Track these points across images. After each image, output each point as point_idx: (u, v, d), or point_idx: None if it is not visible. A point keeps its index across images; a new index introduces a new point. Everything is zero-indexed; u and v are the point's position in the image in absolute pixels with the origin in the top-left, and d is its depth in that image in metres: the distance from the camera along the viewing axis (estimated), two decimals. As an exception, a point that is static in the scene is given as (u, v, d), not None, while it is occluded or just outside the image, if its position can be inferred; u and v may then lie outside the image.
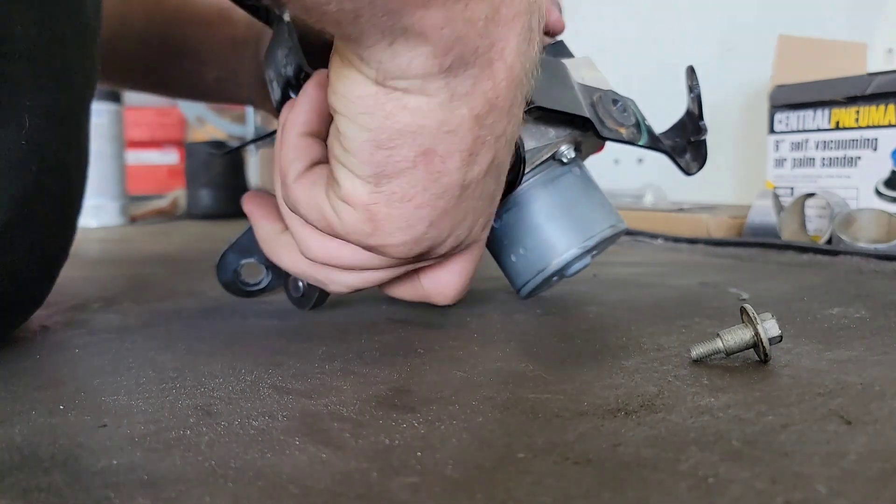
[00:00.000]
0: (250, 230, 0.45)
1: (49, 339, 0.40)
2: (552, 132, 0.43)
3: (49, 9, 0.32)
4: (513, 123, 0.31)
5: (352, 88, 0.28)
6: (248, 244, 0.45)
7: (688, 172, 0.46)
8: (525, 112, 0.33)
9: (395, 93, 0.27)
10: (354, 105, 0.28)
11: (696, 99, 0.46)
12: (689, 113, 0.46)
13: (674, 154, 0.45)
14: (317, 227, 0.33)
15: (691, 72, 0.46)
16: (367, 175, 0.29)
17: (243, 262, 0.46)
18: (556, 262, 0.43)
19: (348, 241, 0.33)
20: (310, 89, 0.35)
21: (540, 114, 0.42)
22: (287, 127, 0.35)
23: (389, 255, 0.32)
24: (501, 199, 0.38)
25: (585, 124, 0.43)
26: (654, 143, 0.45)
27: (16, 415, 0.27)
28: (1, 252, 0.33)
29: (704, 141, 0.46)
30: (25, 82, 0.32)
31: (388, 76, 0.27)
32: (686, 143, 0.46)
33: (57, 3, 0.33)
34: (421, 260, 0.35)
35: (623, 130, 0.44)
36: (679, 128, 0.46)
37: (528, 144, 0.42)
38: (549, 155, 0.43)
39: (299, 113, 0.35)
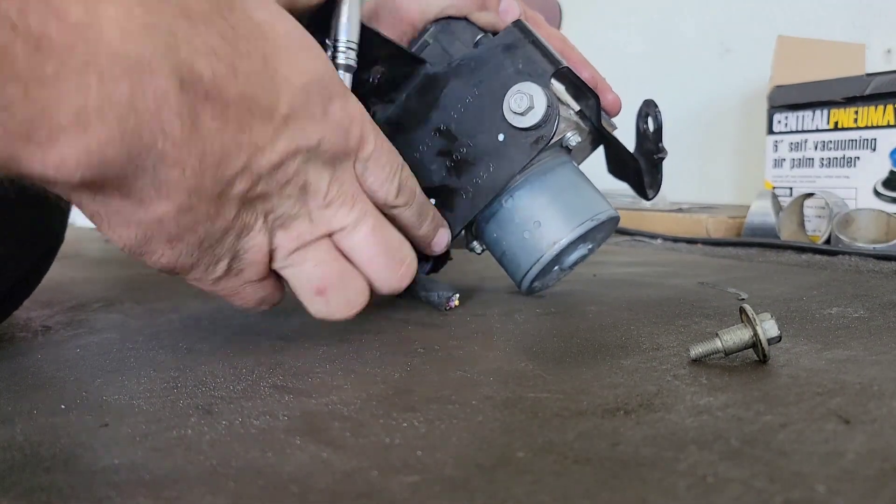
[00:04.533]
0: None
1: (50, 339, 0.40)
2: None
3: None
4: (252, 142, 0.28)
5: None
6: None
7: (647, 197, 0.50)
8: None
9: (98, 222, 0.27)
10: (101, 233, 0.28)
11: (659, 126, 0.49)
12: (650, 138, 0.49)
13: (640, 172, 0.49)
14: None
15: (653, 104, 0.49)
16: (165, 268, 0.31)
17: None
18: (558, 245, 0.44)
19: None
20: None
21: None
22: None
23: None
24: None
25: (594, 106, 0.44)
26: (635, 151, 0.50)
27: (17, 414, 0.27)
28: None
29: (661, 166, 0.49)
30: None
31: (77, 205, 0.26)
32: (648, 164, 0.49)
33: None
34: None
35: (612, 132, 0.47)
36: (642, 151, 0.50)
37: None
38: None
39: None
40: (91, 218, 0.27)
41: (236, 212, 0.29)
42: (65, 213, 0.39)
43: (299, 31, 0.30)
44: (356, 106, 0.33)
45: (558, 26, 0.70)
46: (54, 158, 0.22)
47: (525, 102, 0.41)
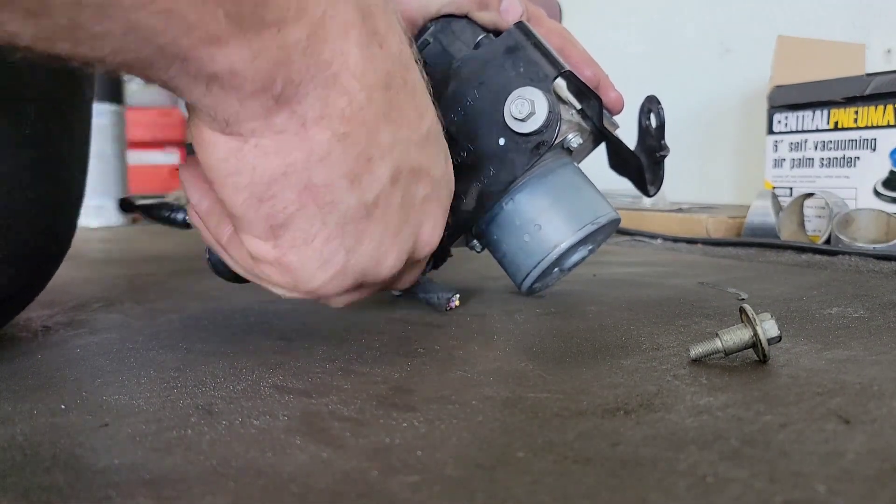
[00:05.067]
0: None
1: (50, 339, 0.40)
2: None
3: None
4: (405, 126, 0.29)
5: (212, 152, 0.27)
6: None
7: (648, 194, 0.50)
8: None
9: (249, 141, 0.26)
10: (221, 169, 0.27)
11: (661, 123, 0.48)
12: (653, 135, 0.49)
13: (641, 169, 0.49)
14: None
15: (656, 100, 0.49)
16: (263, 232, 0.29)
17: None
18: (558, 249, 0.43)
19: (285, 293, 0.32)
20: (185, 176, 0.33)
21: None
22: (193, 204, 0.33)
23: (324, 296, 0.31)
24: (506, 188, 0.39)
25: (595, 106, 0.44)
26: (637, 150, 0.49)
27: (17, 414, 0.27)
28: (2, 236, 0.33)
29: (663, 163, 0.49)
30: (28, 74, 0.32)
31: (228, 122, 0.26)
32: (650, 161, 0.49)
33: None
34: (382, 282, 0.34)
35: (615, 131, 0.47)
36: (644, 147, 0.49)
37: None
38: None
39: (192, 195, 0.33)
40: (242, 142, 0.26)
41: (373, 197, 0.29)
42: (72, 220, 0.40)
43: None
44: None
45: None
46: (256, 48, 0.23)
47: (526, 108, 0.41)
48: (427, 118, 0.31)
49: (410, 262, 0.35)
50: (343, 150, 0.27)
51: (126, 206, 0.47)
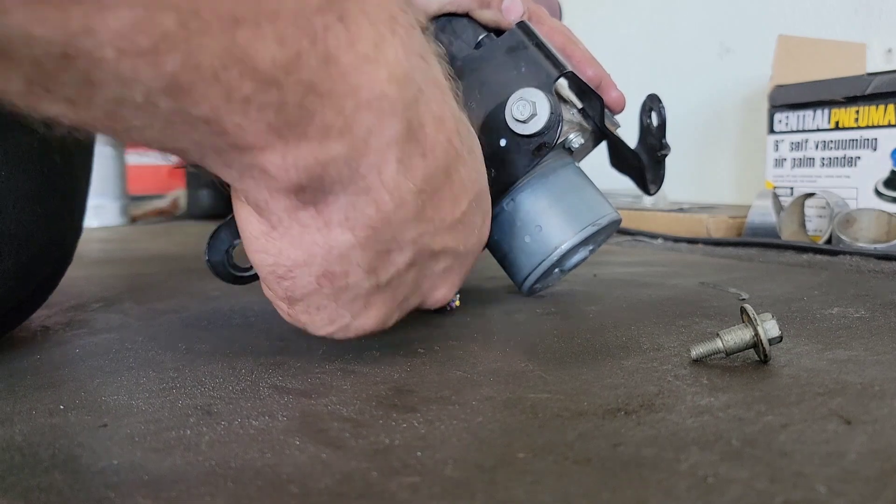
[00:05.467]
0: None
1: (49, 339, 0.40)
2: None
3: None
4: (437, 218, 0.30)
5: (246, 227, 0.28)
6: None
7: (649, 192, 0.50)
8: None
9: (277, 229, 0.27)
10: (252, 243, 0.29)
11: (663, 121, 0.48)
12: (654, 133, 0.48)
13: (642, 168, 0.49)
14: None
15: (657, 99, 0.49)
16: (281, 297, 0.30)
17: (237, 241, 0.41)
18: (559, 250, 0.43)
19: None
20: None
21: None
22: None
23: (335, 338, 0.32)
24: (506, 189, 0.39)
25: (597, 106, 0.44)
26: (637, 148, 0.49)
27: (16, 415, 0.27)
28: (15, 249, 0.34)
29: (664, 162, 0.49)
30: None
31: (257, 207, 0.27)
32: (651, 160, 0.49)
33: None
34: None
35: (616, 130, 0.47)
36: (645, 145, 0.49)
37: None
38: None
39: None
40: (271, 227, 0.28)
41: (387, 279, 0.30)
42: (79, 228, 0.40)
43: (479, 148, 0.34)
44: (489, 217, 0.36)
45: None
46: (292, 158, 0.24)
47: (528, 110, 0.41)
48: (466, 198, 0.31)
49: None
50: (363, 250, 0.28)
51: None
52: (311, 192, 0.26)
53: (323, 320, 0.31)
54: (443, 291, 0.35)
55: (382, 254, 0.29)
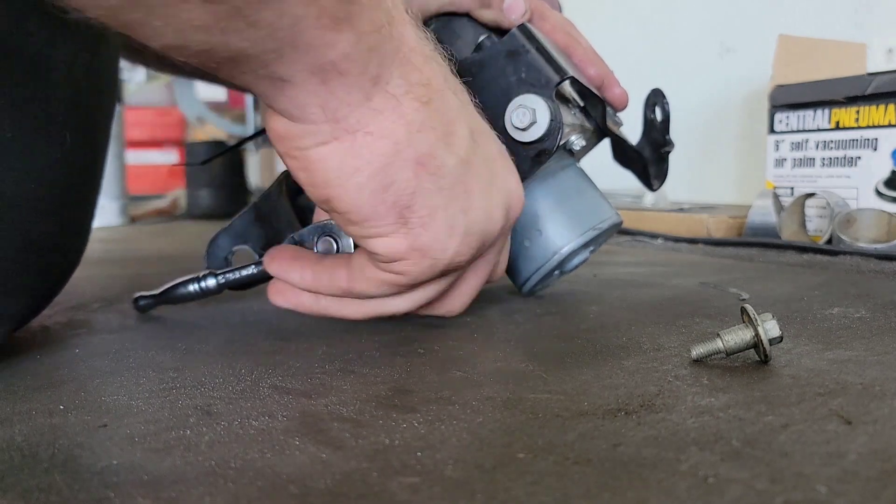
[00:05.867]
0: (245, 213, 0.43)
1: (49, 339, 0.40)
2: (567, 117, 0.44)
3: (83, 39, 0.34)
4: (461, 92, 0.34)
5: (327, 166, 0.29)
6: (244, 228, 0.43)
7: (652, 188, 0.50)
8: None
9: (357, 134, 0.29)
10: (341, 176, 0.29)
11: (667, 116, 0.48)
12: (657, 128, 0.48)
13: (645, 163, 0.49)
14: (389, 294, 0.35)
15: (661, 94, 0.49)
16: (392, 222, 0.31)
17: (236, 248, 0.43)
18: (559, 255, 0.43)
19: (421, 284, 0.35)
20: (275, 267, 0.37)
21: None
22: (298, 282, 0.37)
23: (459, 265, 0.34)
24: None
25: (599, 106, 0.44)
26: (640, 146, 0.49)
27: (16, 415, 0.27)
28: (38, 255, 0.34)
29: (667, 158, 0.49)
30: (65, 102, 0.33)
31: (336, 118, 0.28)
32: (655, 155, 0.49)
33: (89, 34, 0.34)
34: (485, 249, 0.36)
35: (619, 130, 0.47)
36: (649, 141, 0.49)
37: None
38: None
39: (293, 278, 0.37)
40: (351, 137, 0.29)
41: (464, 151, 0.32)
42: (88, 234, 0.40)
43: (507, 158, 0.37)
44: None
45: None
46: (357, 34, 0.26)
47: (527, 117, 0.40)
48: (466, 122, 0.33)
49: (505, 231, 0.37)
50: (430, 117, 0.30)
51: (142, 304, 0.45)
52: (376, 70, 0.28)
53: (443, 229, 0.32)
54: (514, 182, 0.36)
55: (447, 122, 0.31)
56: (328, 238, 0.37)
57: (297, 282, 0.36)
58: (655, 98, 0.48)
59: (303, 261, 0.37)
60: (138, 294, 0.44)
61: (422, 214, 0.31)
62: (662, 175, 0.49)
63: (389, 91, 0.29)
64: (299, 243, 0.38)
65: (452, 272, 0.35)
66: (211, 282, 0.41)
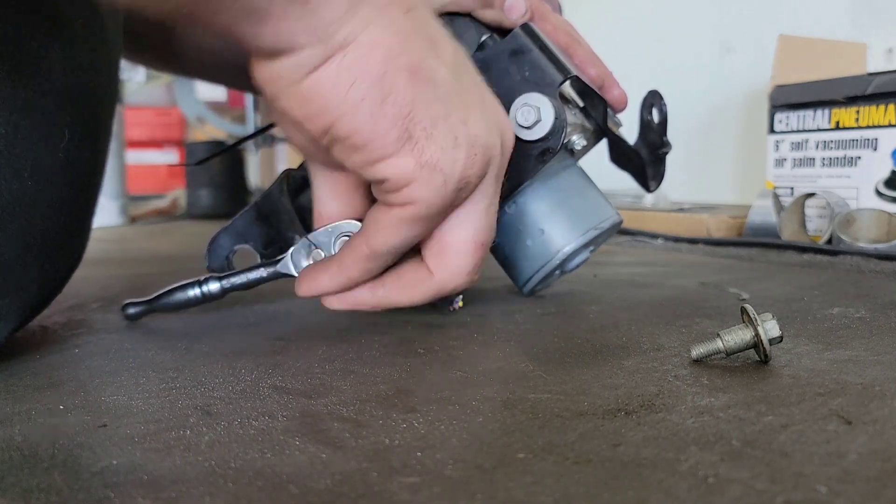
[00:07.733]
0: (246, 212, 0.43)
1: (49, 339, 0.40)
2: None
3: (82, 39, 0.34)
4: (433, 18, 0.33)
5: (322, 87, 0.29)
6: (245, 227, 0.43)
7: (648, 189, 0.50)
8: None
9: (348, 48, 0.29)
10: (338, 92, 0.29)
11: (664, 118, 0.48)
12: (655, 130, 0.48)
13: (642, 164, 0.49)
14: (411, 237, 0.34)
15: (658, 95, 0.49)
16: (396, 138, 0.30)
17: (237, 247, 0.43)
18: (561, 254, 0.43)
19: (435, 210, 0.33)
20: (303, 289, 0.37)
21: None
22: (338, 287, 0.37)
23: (469, 181, 0.33)
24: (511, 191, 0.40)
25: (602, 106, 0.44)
26: (639, 146, 0.49)
27: (16, 415, 0.27)
28: (38, 255, 0.34)
29: (664, 160, 0.49)
30: (65, 102, 0.33)
31: (322, 39, 0.28)
32: (652, 156, 0.49)
33: (89, 34, 0.34)
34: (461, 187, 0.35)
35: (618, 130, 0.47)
36: (646, 142, 0.49)
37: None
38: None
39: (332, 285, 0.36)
40: (342, 53, 0.29)
41: (452, 61, 0.32)
42: (89, 234, 0.40)
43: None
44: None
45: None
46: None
47: (532, 116, 0.40)
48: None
49: (502, 160, 0.35)
50: (414, 25, 0.30)
51: (133, 311, 0.43)
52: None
53: (448, 139, 0.31)
54: (499, 106, 0.35)
55: (430, 32, 0.31)
56: (345, 238, 0.37)
57: (329, 282, 0.36)
58: (653, 99, 0.48)
59: (322, 263, 0.37)
60: (140, 299, 0.43)
61: (424, 125, 0.30)
62: (660, 176, 0.49)
63: (373, 3, 0.29)
64: (315, 245, 0.38)
65: (464, 196, 0.34)
66: (214, 286, 0.41)
